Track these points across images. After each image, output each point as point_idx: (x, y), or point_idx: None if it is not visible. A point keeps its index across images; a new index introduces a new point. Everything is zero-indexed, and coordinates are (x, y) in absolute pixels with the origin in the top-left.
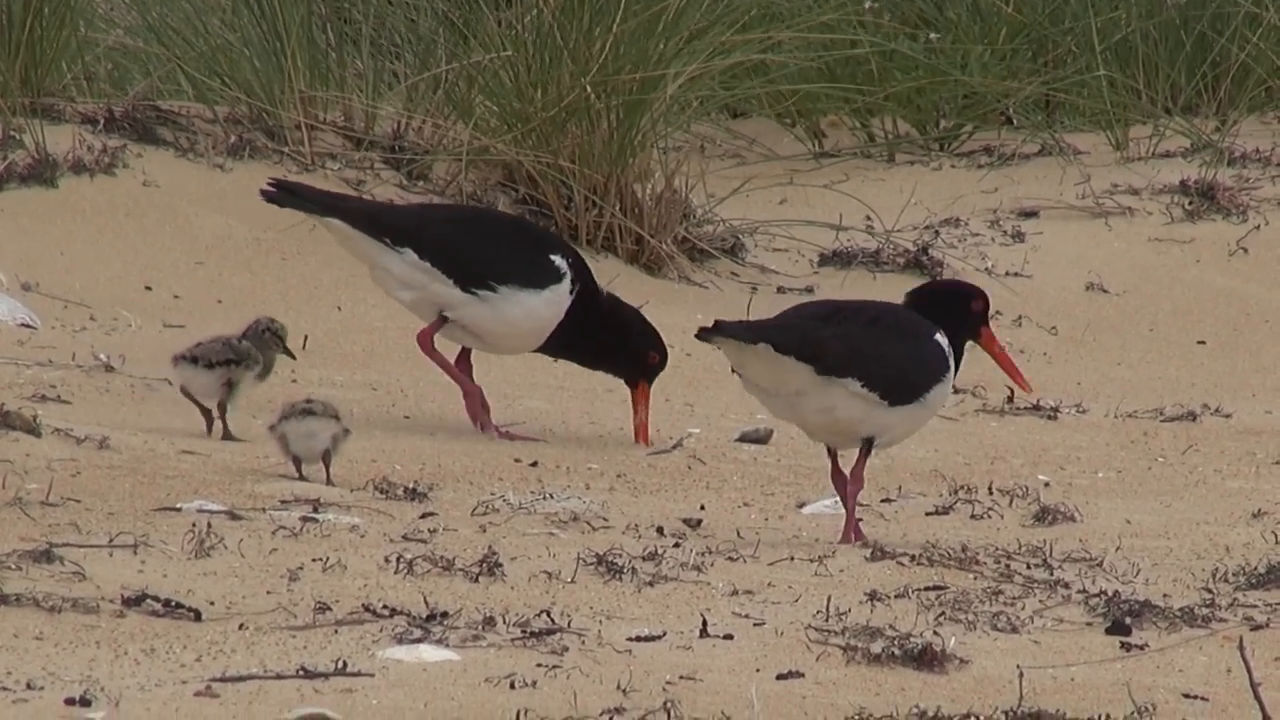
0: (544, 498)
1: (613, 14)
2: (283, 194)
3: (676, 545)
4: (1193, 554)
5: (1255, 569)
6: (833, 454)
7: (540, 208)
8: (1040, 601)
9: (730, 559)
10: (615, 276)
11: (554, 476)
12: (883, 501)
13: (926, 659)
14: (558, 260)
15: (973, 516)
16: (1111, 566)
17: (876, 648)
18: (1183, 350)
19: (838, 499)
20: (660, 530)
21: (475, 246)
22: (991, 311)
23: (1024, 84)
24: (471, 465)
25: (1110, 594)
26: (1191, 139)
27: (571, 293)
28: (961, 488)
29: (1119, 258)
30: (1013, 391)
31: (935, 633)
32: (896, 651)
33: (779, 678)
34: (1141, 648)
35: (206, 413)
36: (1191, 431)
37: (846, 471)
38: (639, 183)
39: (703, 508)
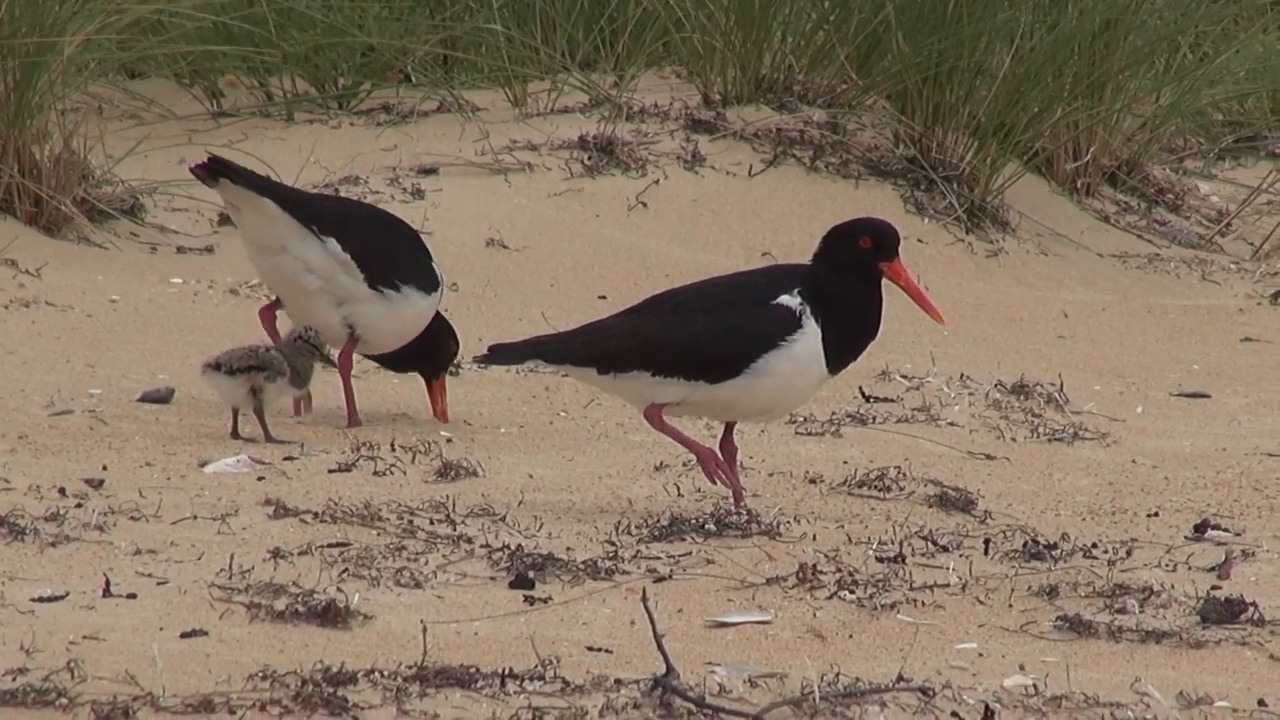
0: None
1: None
2: (217, 168)
3: (79, 505)
4: (596, 507)
5: (658, 521)
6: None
7: None
8: (444, 557)
9: (133, 518)
10: (15, 239)
11: None
12: (285, 459)
13: (330, 615)
14: (436, 268)
15: (376, 473)
16: (515, 521)
17: (280, 605)
18: (583, 305)
19: (240, 458)
20: (62, 491)
21: (389, 246)
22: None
23: (422, 41)
24: None
25: (514, 548)
26: (590, 94)
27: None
28: (364, 444)
29: (519, 214)
30: None
31: (339, 589)
32: (300, 608)
33: (183, 636)
34: (545, 601)
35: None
36: None
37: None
38: (37, 144)
39: (105, 468)
